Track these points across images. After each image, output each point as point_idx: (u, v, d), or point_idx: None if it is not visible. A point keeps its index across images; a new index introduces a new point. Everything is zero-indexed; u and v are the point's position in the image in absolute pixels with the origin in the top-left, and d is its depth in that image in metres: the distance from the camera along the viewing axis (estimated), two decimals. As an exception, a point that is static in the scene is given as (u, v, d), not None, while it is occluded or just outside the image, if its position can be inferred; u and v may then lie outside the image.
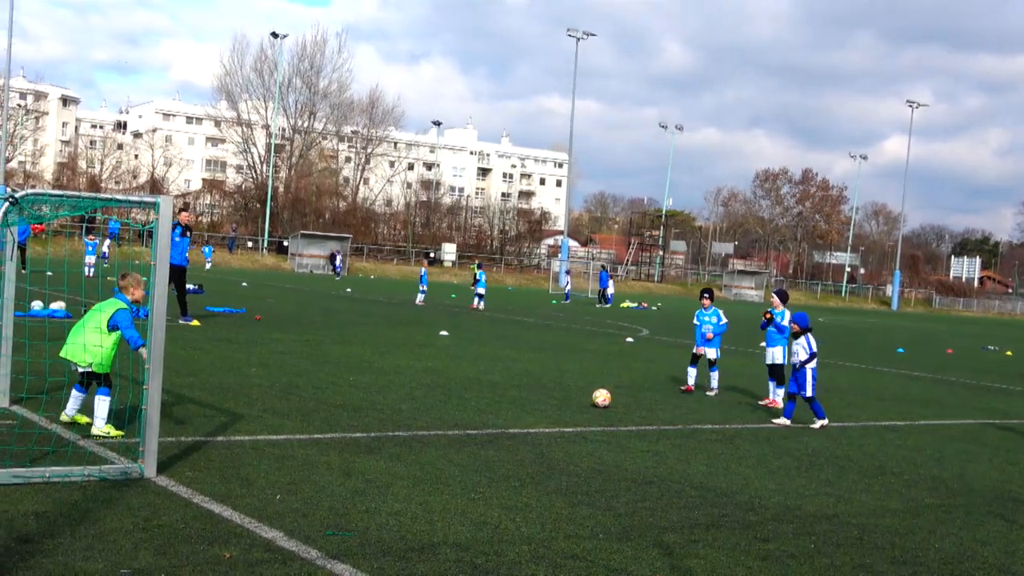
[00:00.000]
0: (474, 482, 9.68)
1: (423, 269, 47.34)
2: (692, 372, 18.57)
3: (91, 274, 39.71)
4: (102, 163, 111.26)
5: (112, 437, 10.18)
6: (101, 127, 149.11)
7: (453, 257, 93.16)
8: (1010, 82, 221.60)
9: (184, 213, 25.02)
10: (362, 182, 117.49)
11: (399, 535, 7.65)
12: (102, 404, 10.29)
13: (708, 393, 18.08)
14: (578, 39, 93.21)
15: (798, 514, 9.56)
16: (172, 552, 6.77)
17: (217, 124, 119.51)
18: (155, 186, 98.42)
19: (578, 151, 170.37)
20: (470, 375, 18.34)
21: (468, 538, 7.73)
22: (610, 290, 56.14)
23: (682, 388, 18.49)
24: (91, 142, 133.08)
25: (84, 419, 10.65)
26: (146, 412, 8.78)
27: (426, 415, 13.44)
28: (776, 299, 18.03)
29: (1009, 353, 40.85)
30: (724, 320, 18.60)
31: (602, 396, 15.41)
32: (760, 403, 17.43)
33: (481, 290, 43.66)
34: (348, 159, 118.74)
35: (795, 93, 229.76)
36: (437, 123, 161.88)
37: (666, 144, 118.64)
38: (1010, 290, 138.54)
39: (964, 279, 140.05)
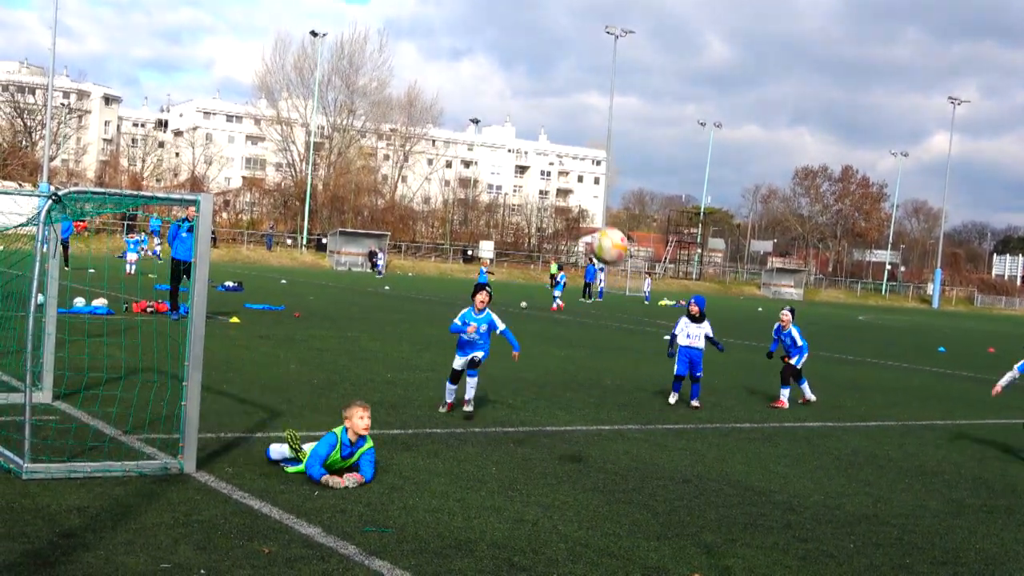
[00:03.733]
0: (511, 479, 9.68)
1: (483, 268, 47.66)
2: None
3: (132, 271, 39.94)
4: (143, 161, 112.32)
5: None
6: (143, 125, 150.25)
7: (491, 254, 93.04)
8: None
9: (192, 209, 24.88)
10: (400, 180, 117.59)
11: (436, 532, 7.66)
12: None
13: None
14: (616, 36, 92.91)
15: (837, 514, 9.50)
16: (211, 547, 6.82)
17: (257, 122, 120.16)
18: (195, 184, 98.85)
19: (616, 148, 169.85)
20: (506, 372, 18.33)
21: (505, 535, 7.74)
22: (599, 284, 55.16)
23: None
24: (133, 140, 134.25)
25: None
26: (185, 408, 8.84)
27: (463, 412, 13.45)
28: (787, 316, 17.34)
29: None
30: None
31: (611, 243, 14.08)
32: (770, 405, 16.94)
33: (558, 292, 44.02)
34: (387, 157, 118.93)
35: (840, 89, 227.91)
36: (475, 121, 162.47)
37: (705, 141, 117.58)
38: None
39: (1007, 277, 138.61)
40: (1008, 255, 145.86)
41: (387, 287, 53.62)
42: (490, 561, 7.05)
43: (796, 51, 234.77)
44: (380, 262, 77.13)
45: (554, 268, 50.83)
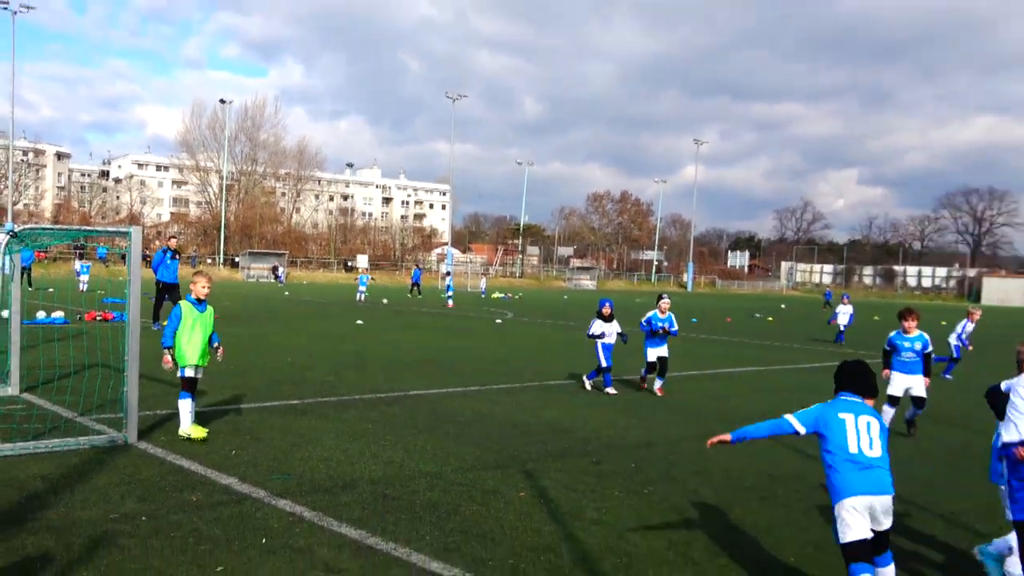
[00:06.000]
0: (383, 432, 9.65)
1: (363, 275, 47.09)
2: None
3: (84, 289, 38.15)
4: (90, 203, 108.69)
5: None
6: (89, 175, 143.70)
7: (366, 264, 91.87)
8: (773, 123, 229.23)
9: (173, 240, 23.74)
10: (295, 211, 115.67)
11: (327, 475, 7.60)
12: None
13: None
14: (454, 99, 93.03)
15: (622, 443, 9.78)
16: (151, 499, 6.62)
17: (180, 171, 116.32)
18: (133, 220, 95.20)
19: (457, 182, 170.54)
20: (380, 353, 18.19)
21: (380, 474, 7.72)
22: (422, 283, 54.39)
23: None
24: (81, 187, 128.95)
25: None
26: (127, 393, 8.55)
27: (347, 384, 13.30)
28: (664, 303, 14.22)
29: (771, 319, 42.22)
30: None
31: None
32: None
33: (450, 292, 43.86)
34: (283, 194, 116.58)
35: (619, 135, 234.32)
36: (350, 164, 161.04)
37: (523, 175, 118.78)
38: (769, 273, 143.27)
39: (738, 267, 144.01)
40: (739, 251, 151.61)
41: (287, 292, 52.39)
42: (368, 494, 7.03)
43: (587, 107, 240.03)
44: (281, 274, 75.48)
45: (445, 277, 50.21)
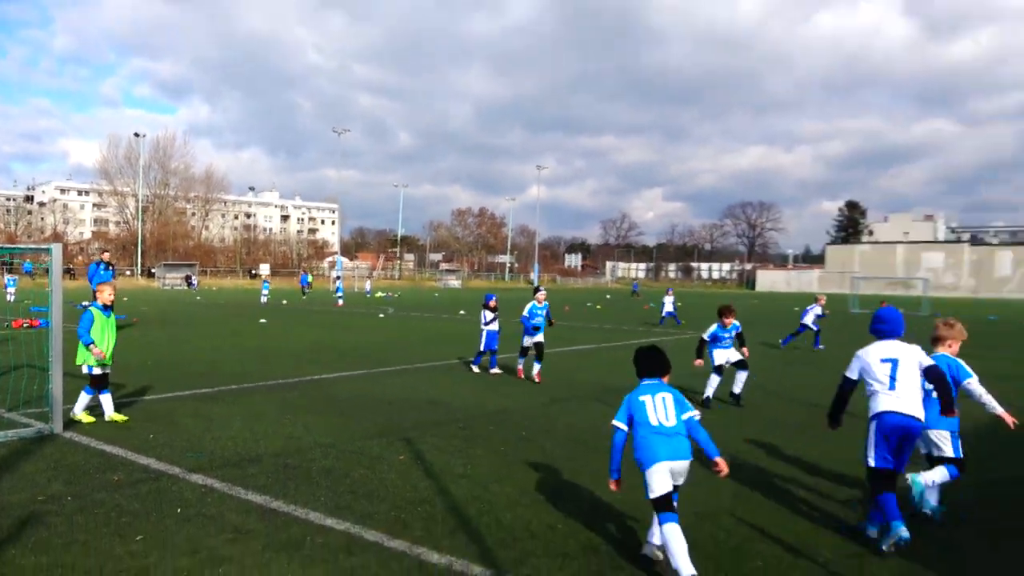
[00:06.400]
0: (284, 413, 9.31)
1: (265, 280, 45.35)
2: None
3: (11, 299, 35.13)
4: (16, 224, 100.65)
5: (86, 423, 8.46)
6: (14, 200, 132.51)
7: (268, 271, 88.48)
8: (597, 152, 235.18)
9: (106, 253, 22.20)
10: (204, 228, 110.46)
11: (235, 452, 7.27)
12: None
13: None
14: (339, 133, 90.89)
15: (485, 411, 9.79)
16: (76, 481, 6.17)
17: (100, 195, 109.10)
18: (56, 238, 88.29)
19: (344, 201, 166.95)
20: (280, 346, 17.58)
21: (281, 448, 7.45)
22: (309, 287, 52.81)
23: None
24: (7, 210, 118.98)
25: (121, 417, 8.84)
26: (52, 388, 7.94)
27: (252, 374, 12.78)
28: (540, 295, 13.50)
29: (599, 307, 43.30)
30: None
31: None
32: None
33: (340, 293, 42.62)
34: (194, 213, 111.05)
35: (478, 161, 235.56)
36: (252, 188, 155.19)
37: (399, 195, 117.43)
38: (597, 271, 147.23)
39: (573, 266, 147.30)
40: (573, 253, 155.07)
41: (199, 298, 49.86)
42: (271, 465, 6.78)
43: (451, 139, 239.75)
44: (194, 282, 71.82)
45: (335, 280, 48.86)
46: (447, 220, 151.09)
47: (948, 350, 5.93)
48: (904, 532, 4.77)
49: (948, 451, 5.67)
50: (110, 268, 20.54)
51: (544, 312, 13.37)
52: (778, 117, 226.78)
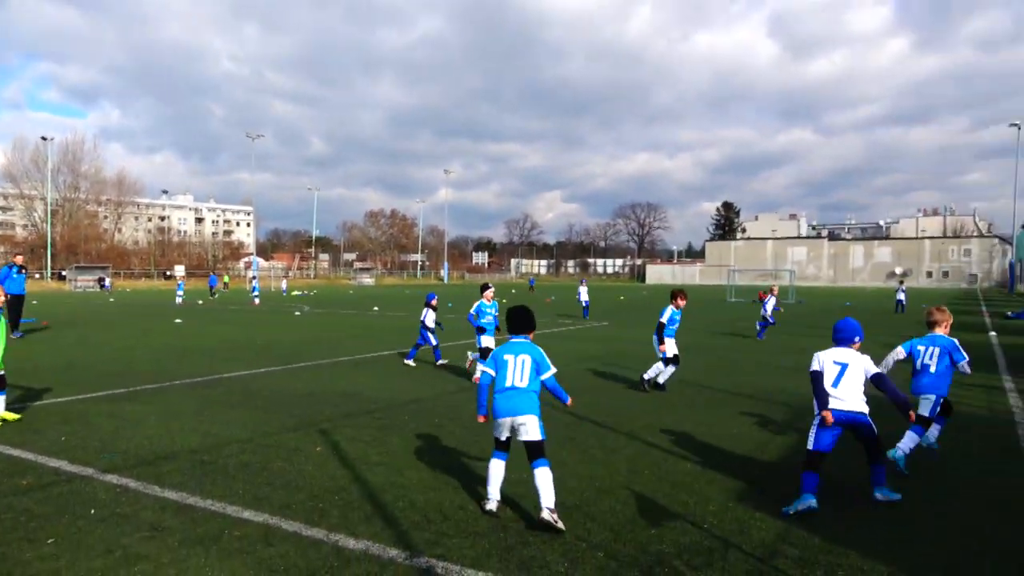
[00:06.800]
0: (201, 410, 8.89)
1: (180, 281, 43.23)
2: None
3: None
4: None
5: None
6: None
7: (183, 272, 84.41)
8: (501, 157, 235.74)
9: (19, 256, 20.51)
10: (117, 231, 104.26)
11: (150, 450, 6.88)
12: None
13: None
14: (253, 139, 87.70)
15: (398, 401, 9.64)
16: (-19, 487, 5.67)
17: (5, 198, 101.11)
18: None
19: (259, 204, 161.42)
20: (196, 344, 16.81)
21: (198, 445, 7.10)
22: (219, 286, 51.12)
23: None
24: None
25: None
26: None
27: (167, 372, 12.15)
28: (489, 292, 11.87)
29: (504, 301, 43.40)
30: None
31: None
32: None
33: (256, 293, 40.97)
34: (106, 216, 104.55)
35: (389, 166, 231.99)
36: (165, 191, 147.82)
37: (313, 198, 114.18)
38: (503, 267, 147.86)
39: (480, 263, 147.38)
40: (480, 252, 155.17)
41: (112, 299, 47.10)
42: (188, 462, 6.44)
43: (363, 145, 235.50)
44: (107, 284, 67.71)
45: (251, 280, 47.07)
46: (360, 221, 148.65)
47: (943, 331, 6.79)
48: (813, 503, 5.25)
49: (924, 411, 6.61)
50: (23, 271, 19.15)
51: (494, 311, 11.65)
52: (662, 127, 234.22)
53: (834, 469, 6.36)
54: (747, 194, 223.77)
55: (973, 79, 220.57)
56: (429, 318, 13.62)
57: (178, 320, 25.76)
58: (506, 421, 5.14)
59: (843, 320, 5.94)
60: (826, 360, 5.67)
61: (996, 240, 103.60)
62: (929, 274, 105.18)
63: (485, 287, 11.85)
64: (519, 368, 5.15)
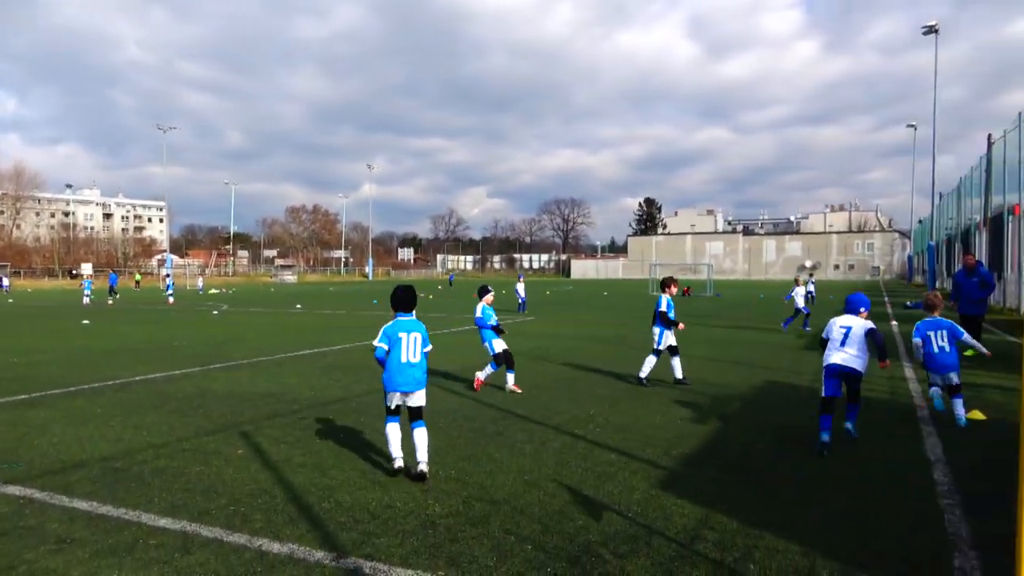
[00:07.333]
0: (113, 415, 8.49)
1: (87, 280, 41.08)
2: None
3: None
4: None
5: None
6: None
7: (90, 271, 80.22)
8: (426, 152, 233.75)
9: None
10: (15, 228, 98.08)
11: (58, 459, 6.52)
12: None
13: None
14: (164, 131, 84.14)
15: (321, 400, 9.46)
16: None
17: None
18: None
19: (172, 199, 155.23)
20: (107, 346, 16.03)
21: (110, 451, 6.78)
22: (118, 285, 48.89)
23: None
24: None
25: None
26: None
27: (76, 376, 11.54)
28: (489, 296, 10.39)
29: (431, 297, 43.16)
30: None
31: None
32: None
33: (171, 291, 39.13)
34: (2, 212, 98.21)
35: (310, 160, 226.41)
36: (69, 185, 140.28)
37: (230, 193, 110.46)
38: (429, 263, 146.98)
39: (406, 259, 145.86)
40: (406, 248, 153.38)
41: (11, 300, 44.32)
42: (99, 470, 6.14)
43: (283, 138, 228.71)
44: (5, 284, 63.66)
45: (165, 280, 44.86)
46: (281, 217, 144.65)
47: (939, 313, 8.05)
48: (826, 439, 6.63)
49: (956, 381, 7.89)
50: None
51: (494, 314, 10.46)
52: (585, 124, 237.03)
53: (751, 458, 6.61)
54: (668, 190, 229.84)
55: (876, 82, 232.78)
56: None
57: (86, 321, 24.51)
58: (401, 395, 5.87)
59: (853, 294, 7.40)
60: (834, 324, 7.08)
61: (896, 234, 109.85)
62: (836, 267, 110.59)
63: (486, 290, 10.39)
64: (412, 345, 5.85)
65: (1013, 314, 21.48)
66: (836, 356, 6.86)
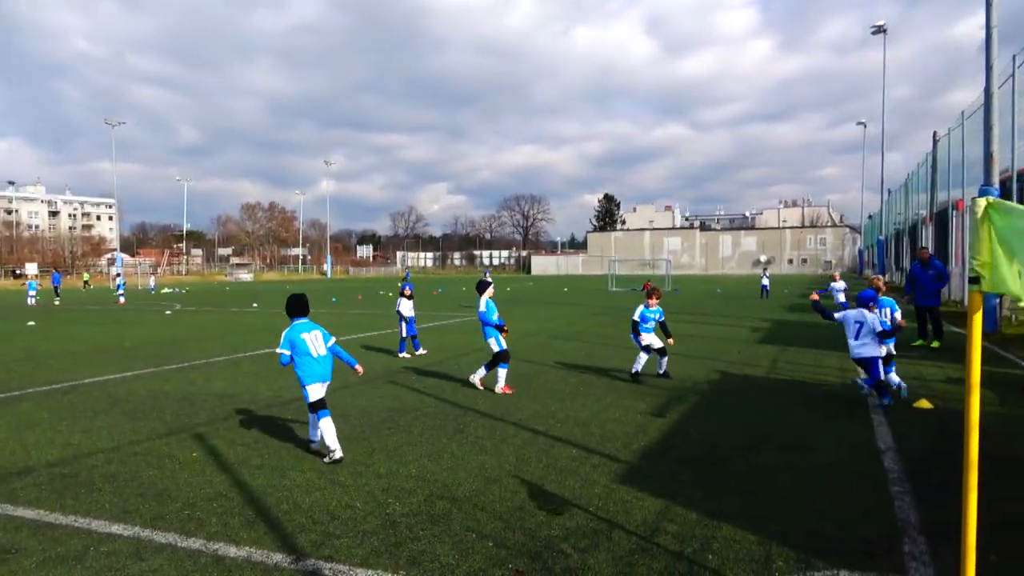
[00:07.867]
0: (60, 419, 8.23)
1: (31, 280, 39.72)
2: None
3: None
4: None
5: None
6: None
7: (35, 271, 77.62)
8: (385, 149, 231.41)
9: None
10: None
11: (1, 466, 6.29)
12: None
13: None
14: (113, 126, 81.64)
15: (279, 400, 9.30)
16: None
17: None
18: None
19: (122, 197, 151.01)
20: (54, 348, 15.52)
21: (57, 457, 6.57)
22: (61, 286, 47.72)
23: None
24: None
25: None
26: None
27: (20, 379, 11.16)
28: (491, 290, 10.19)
29: (390, 295, 42.82)
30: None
31: None
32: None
33: (120, 291, 37.99)
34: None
35: (267, 156, 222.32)
36: (12, 182, 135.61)
37: (183, 190, 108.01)
38: (388, 261, 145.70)
39: (365, 257, 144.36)
40: (365, 245, 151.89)
41: (-48, 302, 42.69)
42: (45, 477, 5.95)
43: (238, 134, 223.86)
44: (-56, 285, 61.16)
45: (115, 280, 43.47)
46: (236, 214, 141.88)
47: (883, 295, 9.50)
48: (888, 401, 8.54)
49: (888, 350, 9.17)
50: None
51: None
52: (545, 120, 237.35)
53: (709, 451, 6.71)
54: (627, 187, 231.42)
55: (829, 80, 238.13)
56: (405, 305, 13.95)
57: (31, 323, 23.72)
58: (322, 385, 6.54)
59: (862, 292, 8.79)
60: (849, 318, 8.61)
61: (847, 229, 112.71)
62: (790, 261, 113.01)
63: (486, 283, 10.13)
64: (315, 342, 6.54)
65: (957, 306, 22.19)
66: (853, 349, 8.56)
